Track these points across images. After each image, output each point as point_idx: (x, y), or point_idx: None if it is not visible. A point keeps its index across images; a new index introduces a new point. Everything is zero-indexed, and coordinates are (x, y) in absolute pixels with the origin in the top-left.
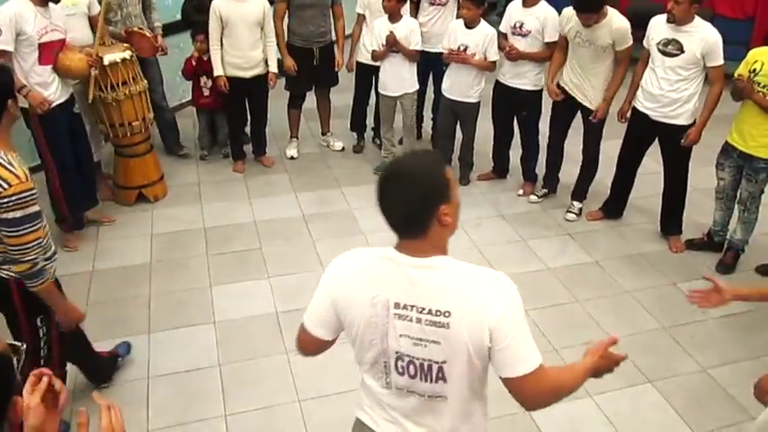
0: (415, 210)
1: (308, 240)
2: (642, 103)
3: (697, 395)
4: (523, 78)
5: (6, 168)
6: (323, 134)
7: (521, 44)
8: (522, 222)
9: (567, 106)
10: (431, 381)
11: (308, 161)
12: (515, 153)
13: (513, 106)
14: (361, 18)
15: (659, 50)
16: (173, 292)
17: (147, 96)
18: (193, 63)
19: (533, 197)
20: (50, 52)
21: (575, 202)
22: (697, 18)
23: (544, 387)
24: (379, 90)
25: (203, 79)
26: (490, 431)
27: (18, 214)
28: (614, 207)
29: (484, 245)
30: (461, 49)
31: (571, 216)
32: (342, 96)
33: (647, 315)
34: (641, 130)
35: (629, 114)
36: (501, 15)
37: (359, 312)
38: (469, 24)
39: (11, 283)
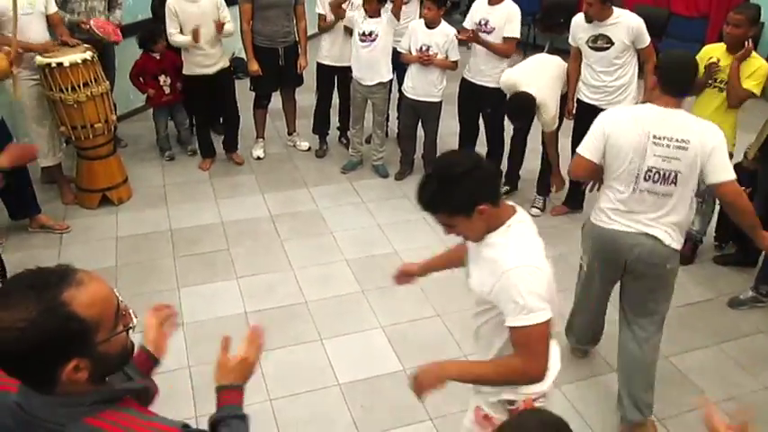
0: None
1: (276, 240)
2: (587, 96)
3: (659, 382)
4: (487, 76)
5: None
6: (289, 134)
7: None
8: None
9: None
10: (666, 184)
11: (274, 161)
12: (480, 150)
13: (477, 103)
14: (322, 18)
15: (590, 47)
16: (140, 295)
17: (109, 98)
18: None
19: None
20: None
21: (539, 197)
22: (615, 9)
23: (738, 194)
24: (359, 82)
25: (162, 78)
26: None
27: None
28: (575, 199)
29: (451, 241)
30: (424, 49)
31: (535, 211)
32: (307, 96)
33: None
34: (590, 120)
35: (574, 111)
36: (464, 14)
37: (626, 141)
38: (430, 25)
39: None
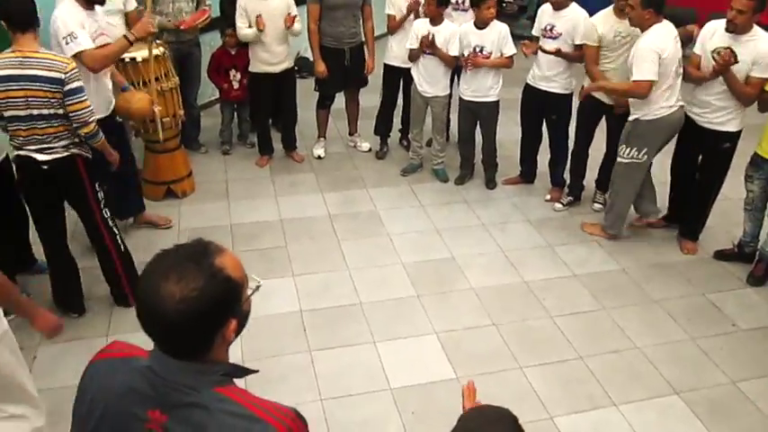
0: None
1: (334, 240)
2: (690, 109)
3: (724, 408)
4: (553, 82)
5: (56, 55)
6: (350, 134)
7: (551, 47)
8: (548, 228)
9: (593, 109)
10: None
11: (334, 161)
12: (543, 158)
13: (542, 110)
14: (392, 18)
15: (713, 58)
16: None
17: (178, 93)
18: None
19: (558, 205)
20: None
21: (599, 192)
22: (755, 27)
23: None
24: (417, 88)
25: (232, 72)
26: None
27: (77, 84)
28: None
29: (509, 249)
30: (477, 50)
31: (597, 206)
32: (370, 97)
33: (675, 325)
34: (691, 137)
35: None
36: (531, 19)
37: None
38: (482, 25)
39: (77, 159)
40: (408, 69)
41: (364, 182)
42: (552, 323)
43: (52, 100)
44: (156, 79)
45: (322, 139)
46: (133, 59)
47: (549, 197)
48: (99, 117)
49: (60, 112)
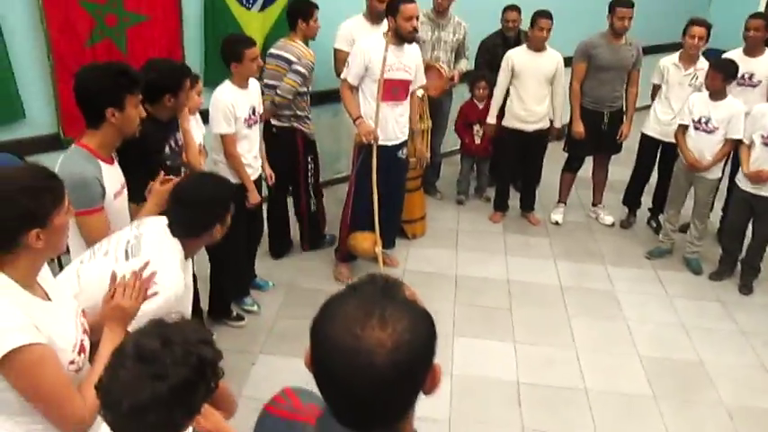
0: None
1: (563, 313)
2: None
3: None
4: None
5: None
6: (593, 205)
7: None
8: None
9: None
10: None
11: (572, 229)
12: None
13: None
14: (655, 88)
15: None
16: None
17: (428, 136)
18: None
19: None
20: (389, 90)
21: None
22: None
23: None
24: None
25: (476, 127)
26: None
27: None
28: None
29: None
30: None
31: None
32: (619, 170)
33: None
34: None
35: None
36: None
37: None
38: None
39: (295, 131)
40: (668, 143)
41: (603, 257)
42: None
43: None
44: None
45: (562, 204)
46: None
47: None
48: (388, 143)
49: None
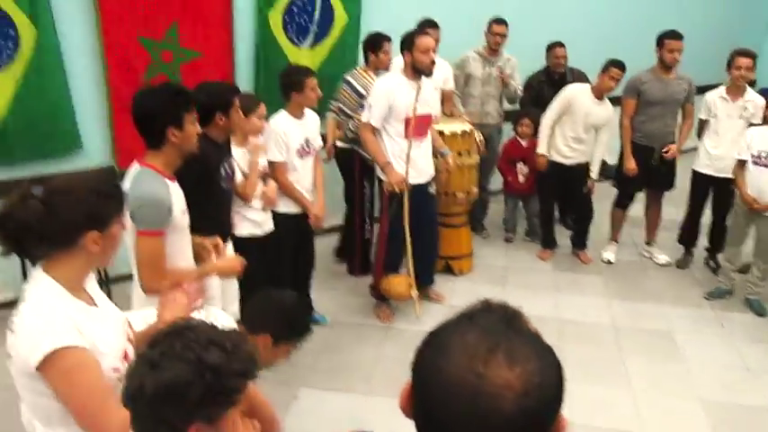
0: None
1: (616, 353)
2: None
3: None
4: None
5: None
6: (647, 243)
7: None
8: None
9: None
10: None
11: (625, 268)
12: None
13: None
14: (703, 123)
15: None
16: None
17: (476, 172)
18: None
19: None
20: (417, 126)
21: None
22: None
23: None
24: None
25: (519, 165)
26: None
27: None
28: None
29: None
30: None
31: None
32: (672, 210)
33: None
34: None
35: None
36: None
37: None
38: None
39: (354, 154)
40: (722, 179)
41: (659, 297)
42: None
43: None
44: (459, 154)
45: (614, 242)
46: (441, 132)
47: None
48: (416, 182)
49: None
